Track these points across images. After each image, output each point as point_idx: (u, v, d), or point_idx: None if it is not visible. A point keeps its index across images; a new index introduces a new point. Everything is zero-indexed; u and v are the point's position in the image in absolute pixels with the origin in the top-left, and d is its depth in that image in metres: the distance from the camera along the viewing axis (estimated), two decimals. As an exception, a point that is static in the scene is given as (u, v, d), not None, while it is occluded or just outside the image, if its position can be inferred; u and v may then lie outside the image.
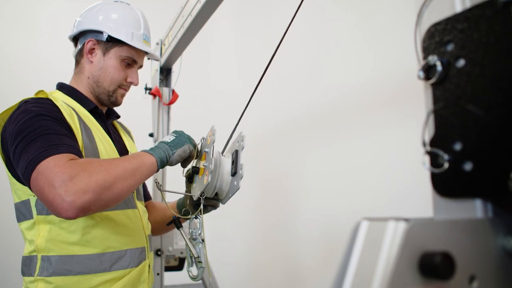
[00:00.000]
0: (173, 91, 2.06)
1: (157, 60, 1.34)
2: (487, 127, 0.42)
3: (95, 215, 1.09)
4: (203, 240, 1.10)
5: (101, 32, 1.22)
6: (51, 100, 1.10)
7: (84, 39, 1.25)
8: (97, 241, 1.09)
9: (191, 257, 1.12)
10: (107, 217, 1.12)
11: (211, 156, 1.09)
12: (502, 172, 0.40)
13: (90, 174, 0.91)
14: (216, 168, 1.07)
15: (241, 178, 1.05)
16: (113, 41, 1.22)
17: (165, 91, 2.04)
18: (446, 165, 0.45)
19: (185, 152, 1.14)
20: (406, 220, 0.38)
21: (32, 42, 2.74)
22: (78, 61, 1.29)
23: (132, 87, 1.31)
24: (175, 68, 2.06)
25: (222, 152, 1.19)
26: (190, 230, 1.12)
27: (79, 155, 0.99)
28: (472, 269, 0.40)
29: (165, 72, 2.05)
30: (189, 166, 1.19)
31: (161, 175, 1.99)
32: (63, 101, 1.16)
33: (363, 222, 0.41)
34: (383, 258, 0.37)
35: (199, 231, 1.11)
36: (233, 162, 1.09)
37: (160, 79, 2.00)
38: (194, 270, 1.11)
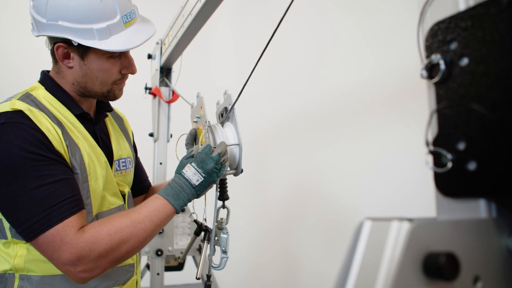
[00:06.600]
0: (173, 92, 2.05)
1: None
2: (491, 126, 0.41)
3: None
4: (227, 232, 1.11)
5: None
6: (32, 123, 0.91)
7: (51, 39, 1.01)
8: None
9: (214, 245, 1.10)
10: None
11: (208, 137, 1.05)
12: (506, 171, 0.40)
13: (99, 254, 0.87)
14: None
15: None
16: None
17: (165, 90, 2.04)
18: (449, 164, 0.44)
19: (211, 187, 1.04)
20: (409, 220, 0.38)
21: (33, 42, 2.73)
22: (55, 61, 1.06)
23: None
24: (175, 67, 2.06)
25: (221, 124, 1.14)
26: (219, 219, 1.11)
27: (76, 189, 0.93)
28: (476, 269, 0.40)
29: (165, 71, 2.05)
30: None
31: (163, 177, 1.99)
32: (46, 107, 0.99)
33: (366, 222, 0.41)
34: (386, 258, 0.37)
35: (227, 222, 1.11)
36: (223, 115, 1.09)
37: (160, 78, 2.00)
38: (216, 259, 1.10)
